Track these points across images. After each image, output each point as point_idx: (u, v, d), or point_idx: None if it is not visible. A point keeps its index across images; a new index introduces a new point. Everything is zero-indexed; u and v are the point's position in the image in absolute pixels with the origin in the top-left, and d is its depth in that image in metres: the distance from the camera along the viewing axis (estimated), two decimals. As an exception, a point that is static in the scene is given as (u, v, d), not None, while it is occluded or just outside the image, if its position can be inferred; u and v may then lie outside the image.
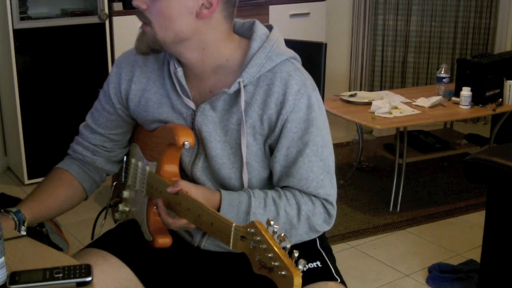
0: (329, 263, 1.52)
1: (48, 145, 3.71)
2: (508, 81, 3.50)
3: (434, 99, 3.48)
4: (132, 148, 1.65)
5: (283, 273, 1.09)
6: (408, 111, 3.38)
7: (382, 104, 3.34)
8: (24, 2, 3.55)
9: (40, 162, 3.71)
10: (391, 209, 3.44)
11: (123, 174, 1.64)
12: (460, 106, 3.46)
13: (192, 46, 1.41)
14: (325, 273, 1.49)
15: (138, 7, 1.38)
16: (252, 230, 1.16)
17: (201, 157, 1.48)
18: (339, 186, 3.77)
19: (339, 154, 4.21)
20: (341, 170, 3.87)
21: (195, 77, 1.47)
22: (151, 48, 1.43)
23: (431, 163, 4.03)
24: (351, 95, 3.60)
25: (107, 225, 1.69)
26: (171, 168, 1.49)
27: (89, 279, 1.17)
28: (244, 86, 1.40)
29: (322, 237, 1.59)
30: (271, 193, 1.43)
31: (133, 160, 1.61)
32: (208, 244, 1.52)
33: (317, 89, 1.46)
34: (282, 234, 1.13)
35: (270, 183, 1.51)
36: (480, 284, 2.43)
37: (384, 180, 3.83)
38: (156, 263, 1.53)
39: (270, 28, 1.49)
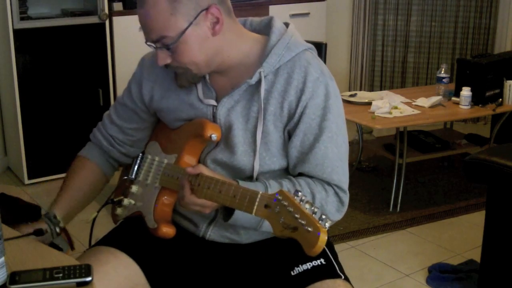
0: (332, 260, 1.54)
1: (48, 145, 3.70)
2: (508, 81, 3.49)
3: (434, 99, 3.48)
4: (149, 146, 1.67)
5: (309, 229, 1.12)
6: (408, 111, 3.38)
7: (382, 104, 3.34)
8: (24, 2, 3.55)
9: (40, 162, 3.70)
10: (391, 209, 3.44)
11: (135, 170, 1.64)
12: (460, 106, 3.45)
13: (220, 57, 1.46)
14: (330, 271, 1.50)
15: (165, 64, 1.44)
16: (280, 197, 1.20)
17: (217, 148, 1.51)
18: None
19: (339, 154, 4.21)
20: (341, 170, 3.86)
21: (218, 73, 1.51)
22: (191, 82, 1.49)
23: (431, 163, 4.02)
24: (351, 95, 3.60)
25: (104, 224, 1.69)
26: (190, 160, 1.51)
27: (89, 279, 1.17)
28: (265, 76, 1.45)
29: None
30: (285, 183, 1.46)
31: (149, 156, 1.63)
32: (213, 234, 1.55)
33: (333, 79, 1.51)
34: (310, 201, 1.18)
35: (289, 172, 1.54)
36: (480, 284, 2.43)
37: (384, 180, 3.83)
38: (161, 255, 1.55)
39: (287, 25, 1.55)
